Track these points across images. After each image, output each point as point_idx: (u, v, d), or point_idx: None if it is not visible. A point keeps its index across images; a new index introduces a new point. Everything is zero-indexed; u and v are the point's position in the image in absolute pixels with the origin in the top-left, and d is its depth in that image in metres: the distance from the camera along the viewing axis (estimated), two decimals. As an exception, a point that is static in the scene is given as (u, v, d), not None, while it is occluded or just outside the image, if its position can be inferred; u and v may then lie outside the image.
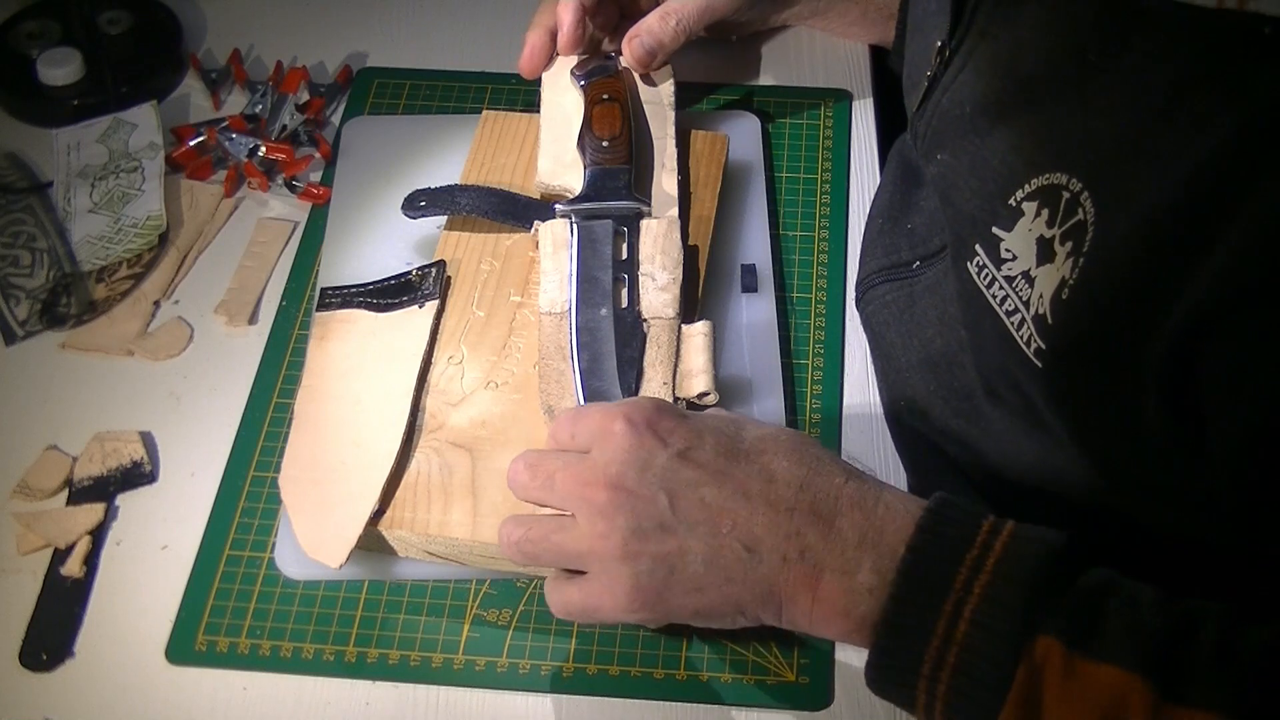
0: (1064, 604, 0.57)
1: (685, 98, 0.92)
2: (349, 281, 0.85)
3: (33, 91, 0.98)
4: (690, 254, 0.84)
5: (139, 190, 0.92)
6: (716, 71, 1.02)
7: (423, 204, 0.85)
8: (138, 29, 1.02)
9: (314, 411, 0.78)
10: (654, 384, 0.76)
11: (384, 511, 0.73)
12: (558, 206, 0.84)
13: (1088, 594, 0.57)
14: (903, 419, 0.81)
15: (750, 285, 0.87)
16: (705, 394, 0.76)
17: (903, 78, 0.82)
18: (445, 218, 0.87)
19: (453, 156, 0.92)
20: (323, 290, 0.83)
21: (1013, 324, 0.65)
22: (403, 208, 0.85)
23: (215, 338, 0.87)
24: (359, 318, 0.81)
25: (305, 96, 0.99)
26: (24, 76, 0.98)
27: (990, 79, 0.69)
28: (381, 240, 0.89)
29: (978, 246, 0.67)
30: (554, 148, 0.87)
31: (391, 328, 0.81)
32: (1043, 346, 0.63)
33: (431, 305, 0.81)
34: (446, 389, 0.78)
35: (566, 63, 0.91)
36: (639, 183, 0.85)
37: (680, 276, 0.80)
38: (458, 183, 0.88)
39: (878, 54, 1.03)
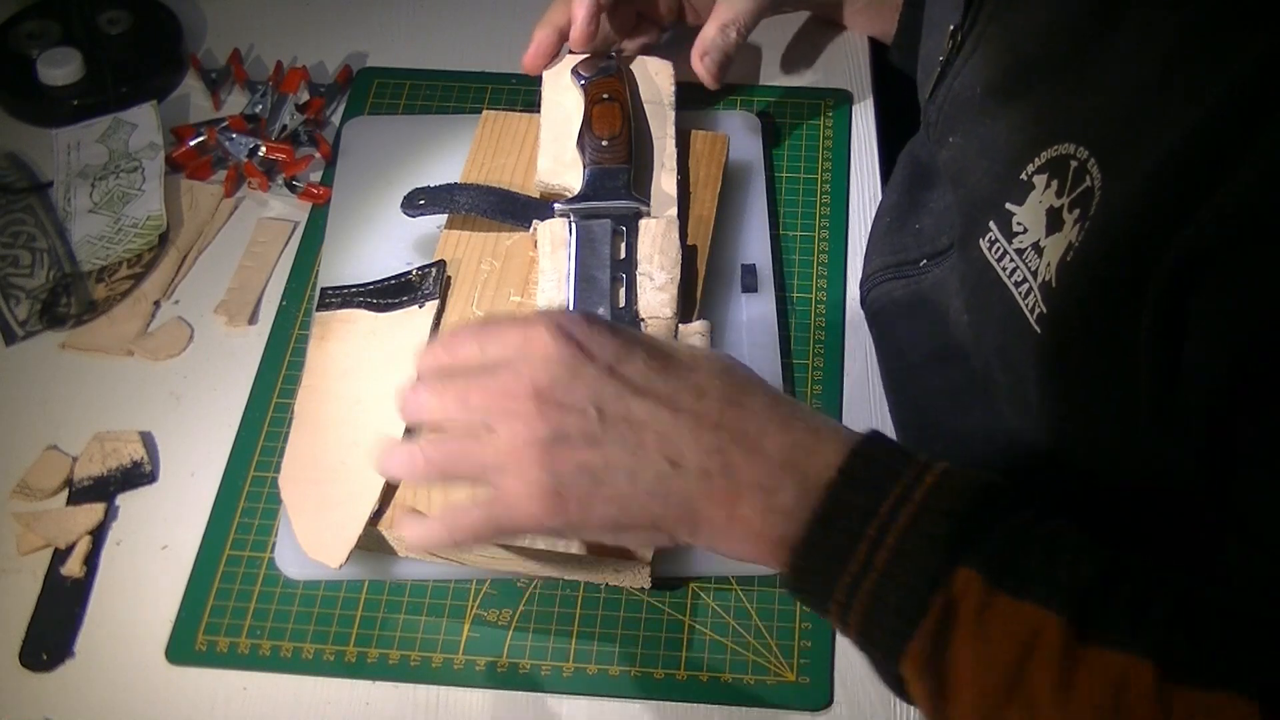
0: (989, 539, 0.56)
1: (685, 98, 0.92)
2: (349, 281, 0.85)
3: (33, 91, 0.98)
4: (689, 254, 0.84)
5: (139, 190, 0.92)
6: (716, 71, 1.02)
7: (422, 202, 0.85)
8: (138, 29, 1.02)
9: (314, 411, 0.78)
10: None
11: (384, 511, 0.73)
12: (557, 206, 0.84)
13: (1015, 531, 0.57)
14: (907, 411, 0.81)
15: (750, 285, 0.87)
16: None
17: (917, 72, 0.83)
18: (445, 218, 0.87)
19: (453, 156, 0.92)
20: (323, 290, 0.84)
21: (1020, 293, 0.65)
22: (402, 206, 0.85)
23: (215, 338, 0.87)
24: (359, 318, 0.81)
25: (305, 96, 0.99)
26: (24, 76, 0.98)
27: (999, 60, 0.69)
28: (381, 240, 0.89)
29: (990, 223, 0.67)
30: (554, 147, 0.87)
31: (392, 327, 0.81)
32: (1044, 311, 0.63)
33: (431, 305, 0.81)
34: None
35: (568, 62, 0.91)
36: (638, 182, 0.85)
37: (678, 276, 0.80)
38: (457, 182, 0.88)
39: (878, 54, 1.03)
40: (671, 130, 0.89)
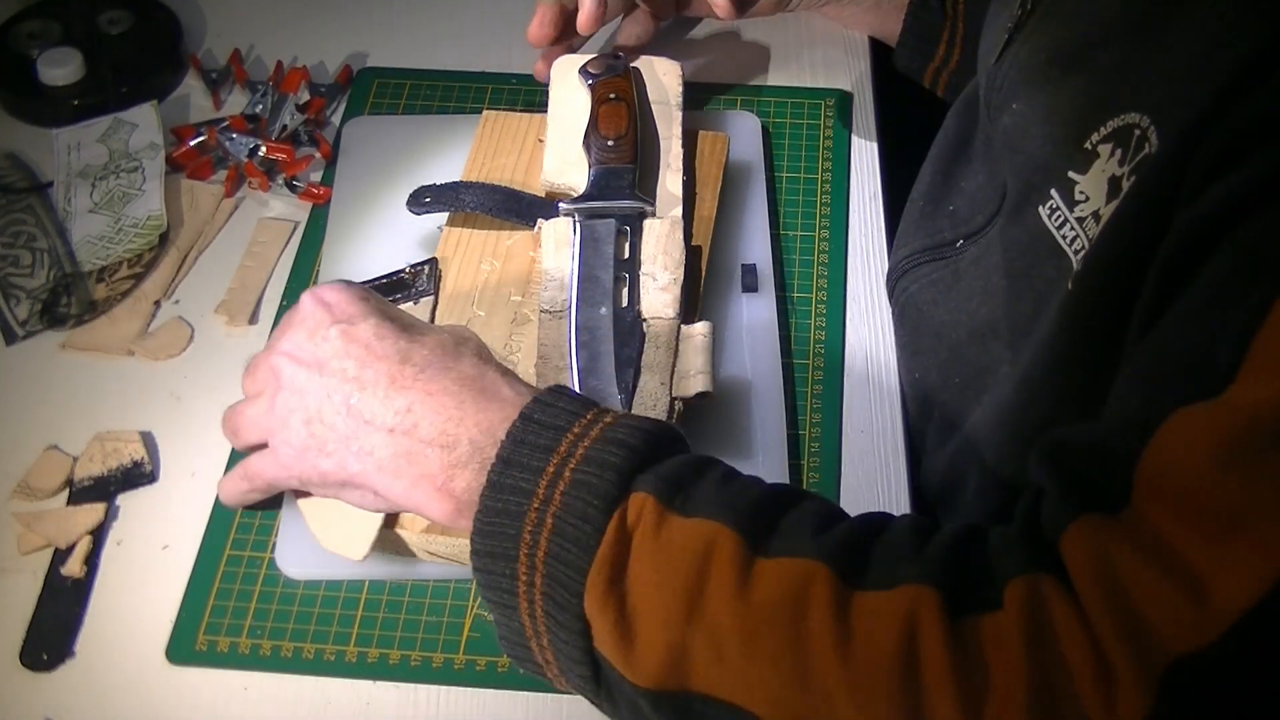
0: (665, 469, 0.58)
1: (686, 98, 0.92)
2: (348, 279, 0.84)
3: (33, 91, 0.98)
4: (692, 254, 0.84)
5: (139, 190, 0.92)
6: (716, 71, 1.02)
7: (427, 200, 0.85)
8: (138, 29, 1.02)
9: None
10: (652, 384, 0.76)
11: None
12: (561, 205, 0.84)
13: (689, 464, 0.59)
14: (933, 401, 0.81)
15: (750, 285, 0.87)
16: (705, 394, 0.76)
17: (978, 53, 0.83)
18: (445, 217, 0.87)
19: (453, 156, 0.92)
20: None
21: (1078, 261, 0.66)
22: (408, 204, 0.85)
23: (215, 338, 0.87)
24: None
25: (305, 96, 0.99)
26: (24, 76, 0.98)
27: (1068, 26, 0.69)
28: (382, 240, 0.89)
29: (1052, 190, 0.68)
30: (560, 146, 0.87)
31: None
32: (1078, 269, 0.63)
33: (426, 301, 0.81)
34: None
35: (575, 61, 0.91)
36: (643, 182, 0.85)
37: (681, 277, 0.80)
38: (462, 180, 0.88)
39: (878, 54, 1.04)
40: (678, 130, 0.89)
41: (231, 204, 0.94)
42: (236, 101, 1.00)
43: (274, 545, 0.76)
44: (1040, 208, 0.69)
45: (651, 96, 0.90)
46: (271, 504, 0.77)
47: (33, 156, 0.96)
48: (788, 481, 0.78)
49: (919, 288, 0.82)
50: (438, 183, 0.87)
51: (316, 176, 0.95)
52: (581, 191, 0.84)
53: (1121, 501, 0.51)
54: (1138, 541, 0.50)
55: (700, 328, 0.79)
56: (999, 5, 0.80)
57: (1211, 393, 0.50)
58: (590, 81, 0.89)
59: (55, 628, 0.74)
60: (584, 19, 0.90)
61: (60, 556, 0.76)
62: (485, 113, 0.94)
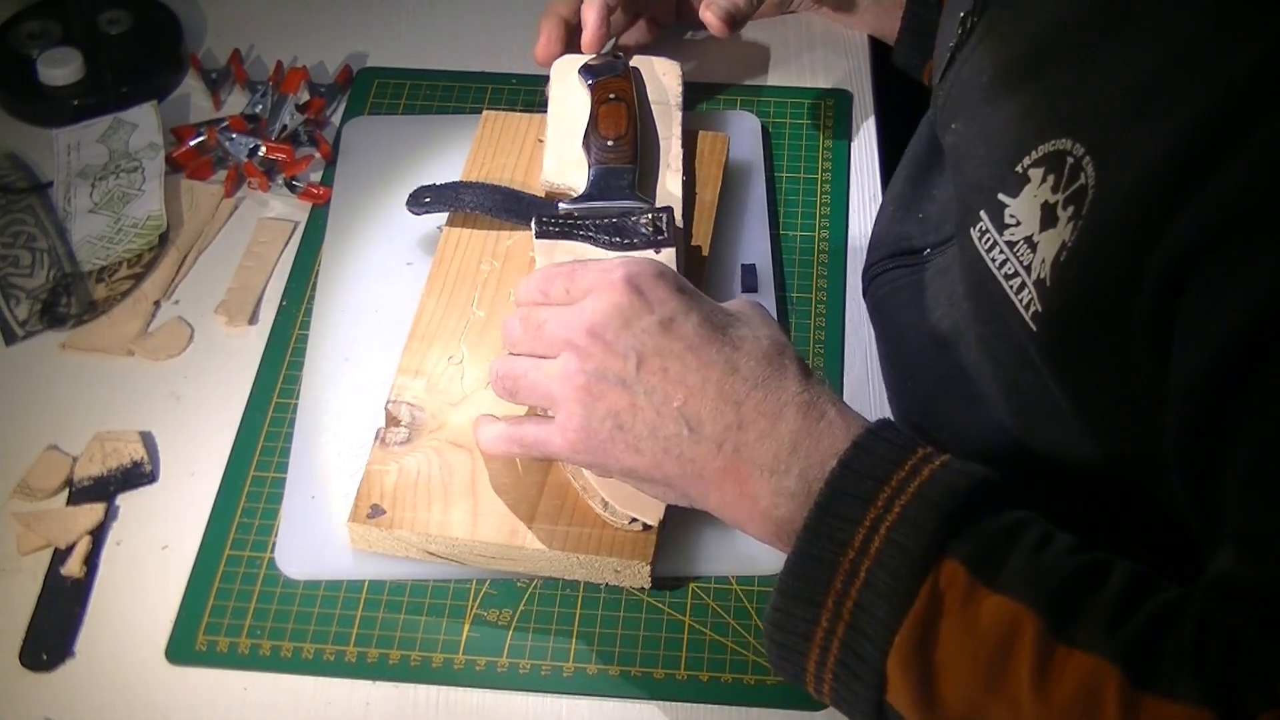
0: (977, 533, 0.58)
1: (686, 98, 0.92)
2: (349, 281, 0.85)
3: (33, 91, 0.98)
4: (693, 255, 0.84)
5: (139, 190, 0.92)
6: (716, 71, 1.02)
7: (427, 200, 0.85)
8: (138, 29, 1.02)
9: None
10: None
11: (385, 511, 0.73)
12: (561, 205, 0.84)
13: (1003, 528, 0.58)
14: (911, 411, 0.81)
15: (750, 285, 0.87)
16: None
17: (934, 58, 0.83)
18: (445, 218, 0.87)
19: (453, 156, 0.92)
20: (538, 218, 0.81)
21: (1011, 288, 0.66)
22: (407, 204, 0.85)
23: (215, 338, 0.87)
24: (586, 252, 0.80)
25: (305, 96, 0.99)
26: (24, 76, 0.98)
27: (1008, 47, 0.70)
28: (382, 240, 0.89)
29: (982, 212, 0.68)
30: (560, 146, 0.87)
31: None
32: (1039, 310, 0.63)
33: (668, 251, 0.79)
34: (447, 389, 0.78)
35: (574, 61, 0.91)
36: (643, 182, 0.85)
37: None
38: (461, 180, 0.88)
39: (878, 54, 1.04)
40: (678, 130, 0.89)
41: (231, 204, 0.94)
42: (236, 101, 1.00)
43: (274, 545, 0.76)
44: (971, 229, 0.69)
45: (651, 96, 0.90)
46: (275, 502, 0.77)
47: (33, 156, 0.96)
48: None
49: (886, 292, 0.83)
50: (437, 183, 0.87)
51: (316, 176, 0.95)
52: (581, 191, 0.84)
53: None
54: None
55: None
56: (948, 20, 0.80)
57: None
58: (590, 81, 0.89)
59: (55, 628, 0.74)
60: (588, 39, 0.91)
61: (60, 557, 0.76)
62: (485, 113, 0.94)
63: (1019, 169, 0.65)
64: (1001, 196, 0.66)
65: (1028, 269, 0.64)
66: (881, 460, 0.60)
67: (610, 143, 0.85)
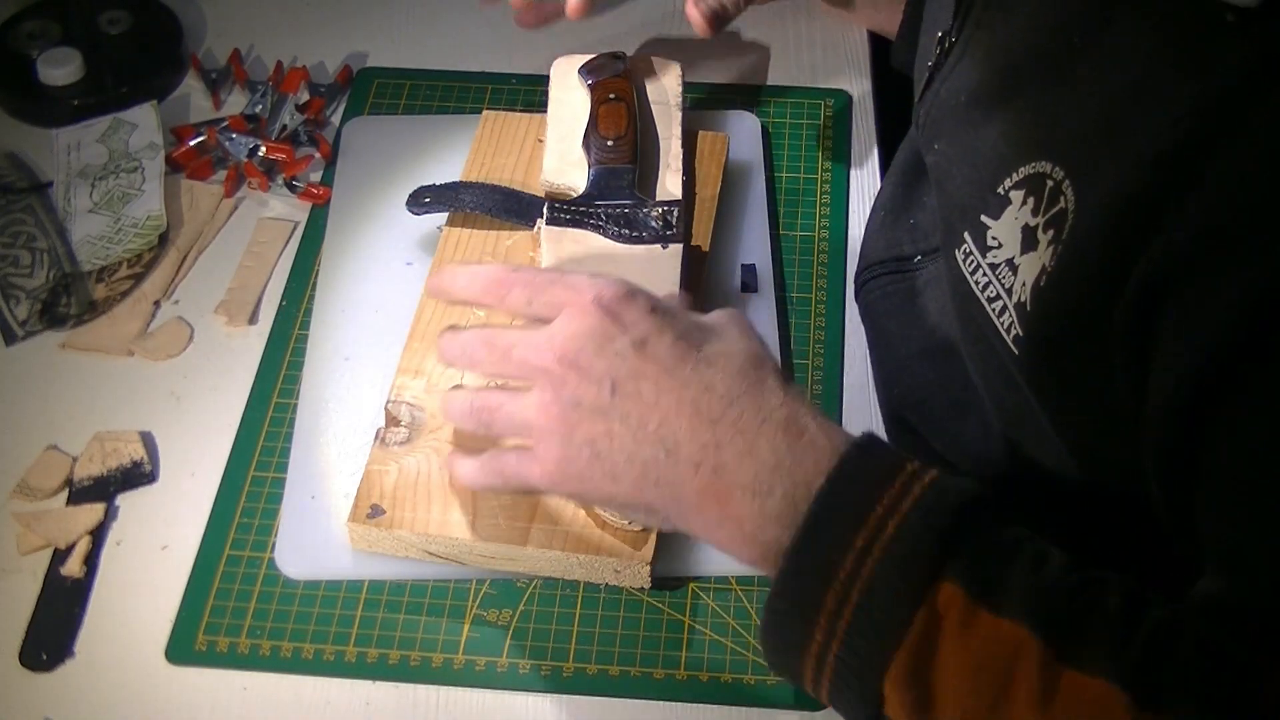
0: (973, 554, 0.56)
1: (686, 98, 0.92)
2: (349, 281, 0.85)
3: (33, 91, 0.98)
4: (694, 254, 0.84)
5: (139, 190, 0.92)
6: (716, 71, 1.02)
7: (427, 200, 0.85)
8: (138, 29, 1.02)
9: None
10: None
11: (385, 511, 0.73)
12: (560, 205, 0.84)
13: (998, 548, 0.57)
14: (901, 417, 0.81)
15: (750, 285, 0.87)
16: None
17: (914, 71, 0.83)
18: (445, 217, 0.87)
19: (453, 156, 0.92)
20: (550, 204, 0.81)
21: (994, 310, 0.66)
22: (407, 204, 0.85)
23: (215, 338, 0.87)
24: (592, 241, 0.80)
25: (305, 96, 0.99)
26: (24, 76, 0.98)
27: (985, 68, 0.69)
28: (382, 240, 0.89)
29: (965, 234, 0.68)
30: (560, 146, 0.87)
31: (634, 263, 0.80)
32: (1020, 334, 0.63)
33: (676, 247, 0.79)
34: (447, 389, 0.78)
35: (575, 61, 0.91)
36: (643, 182, 0.85)
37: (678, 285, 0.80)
38: (461, 180, 0.88)
39: (878, 54, 1.03)
40: (678, 130, 0.89)
41: (231, 204, 0.94)
42: (236, 101, 1.00)
43: (274, 545, 0.76)
44: (956, 250, 0.69)
45: (651, 96, 0.90)
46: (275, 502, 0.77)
47: (33, 156, 0.96)
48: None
49: (876, 298, 0.83)
50: (437, 183, 0.87)
51: (316, 176, 0.95)
52: (581, 191, 0.84)
53: None
54: None
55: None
56: (925, 40, 0.80)
57: None
58: (590, 81, 0.89)
59: (55, 628, 0.74)
60: (574, 6, 0.90)
61: (60, 556, 0.76)
62: (485, 113, 0.94)
63: (1000, 190, 0.65)
64: (984, 218, 0.66)
65: (1009, 291, 0.64)
66: (870, 479, 0.58)
67: (610, 143, 0.85)
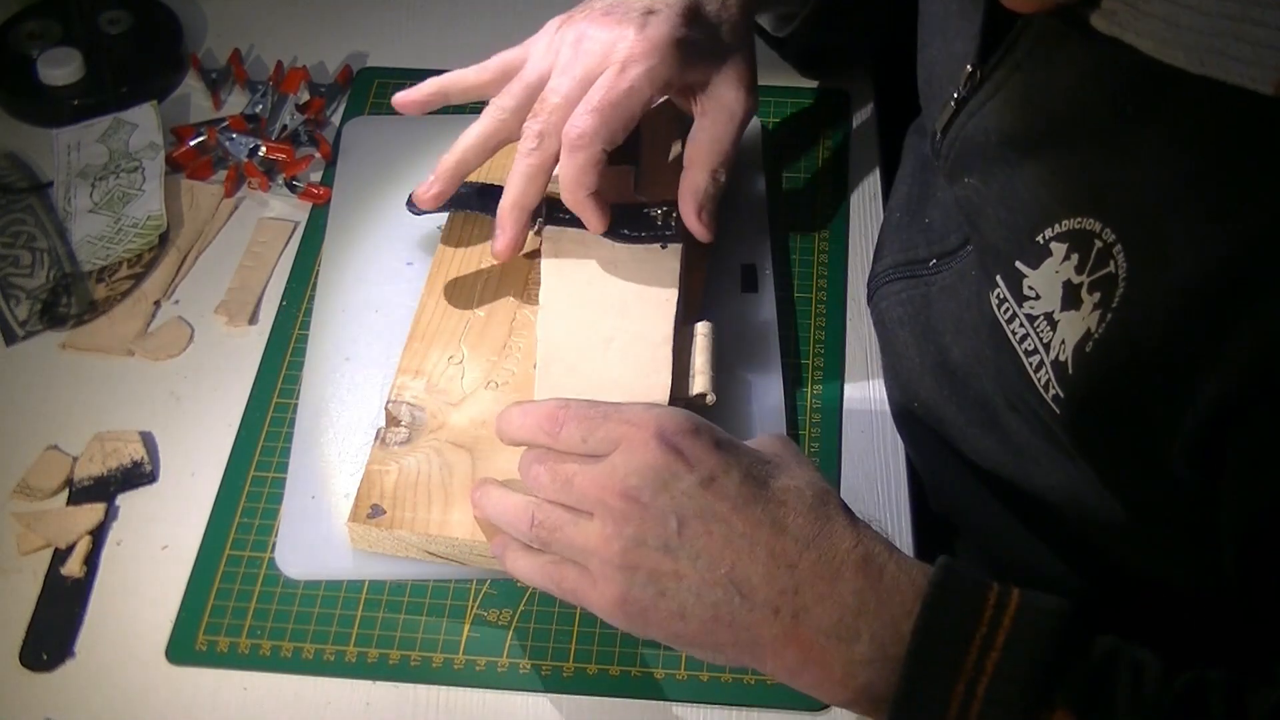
0: (1076, 676, 0.56)
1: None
2: (349, 281, 0.85)
3: (33, 91, 0.98)
4: (696, 252, 0.84)
5: (139, 190, 0.92)
6: (716, 71, 1.02)
7: (427, 200, 0.85)
8: (138, 29, 1.02)
9: (560, 344, 0.77)
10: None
11: (385, 511, 0.73)
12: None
13: (1097, 664, 0.57)
14: (913, 417, 0.80)
15: (750, 285, 0.87)
16: (703, 394, 0.76)
17: (918, 78, 0.81)
18: (445, 218, 0.87)
19: (453, 156, 0.92)
20: (549, 204, 0.81)
21: (1031, 364, 0.65)
22: (408, 204, 0.85)
23: (215, 338, 0.87)
24: (593, 241, 0.80)
25: (305, 96, 0.99)
26: (24, 76, 0.98)
27: (1022, 113, 0.66)
28: (382, 240, 0.89)
29: (999, 279, 0.66)
30: None
31: (635, 262, 0.80)
32: (1060, 394, 0.62)
33: (676, 248, 0.80)
34: (446, 389, 0.78)
35: None
36: (643, 182, 0.85)
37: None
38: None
39: (878, 54, 1.03)
40: (678, 131, 0.89)
41: (231, 204, 0.94)
42: (236, 101, 1.00)
43: (274, 545, 0.76)
44: (990, 294, 0.67)
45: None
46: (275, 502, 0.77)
47: (33, 156, 0.96)
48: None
49: (889, 304, 0.82)
50: (437, 183, 0.86)
51: (316, 176, 0.95)
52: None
53: None
54: None
55: (700, 327, 0.79)
56: (936, 53, 0.76)
57: None
58: None
59: (55, 628, 0.74)
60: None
61: (60, 556, 0.76)
62: (485, 113, 0.94)
63: (1040, 239, 0.63)
64: (1020, 265, 0.65)
65: (1047, 346, 0.63)
66: (959, 618, 0.57)
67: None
